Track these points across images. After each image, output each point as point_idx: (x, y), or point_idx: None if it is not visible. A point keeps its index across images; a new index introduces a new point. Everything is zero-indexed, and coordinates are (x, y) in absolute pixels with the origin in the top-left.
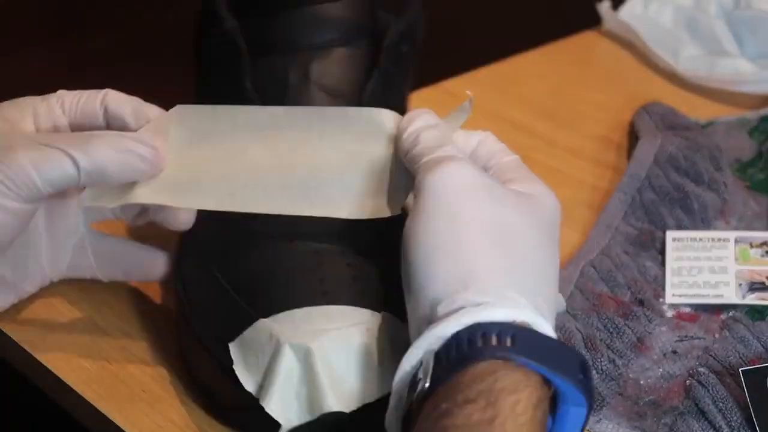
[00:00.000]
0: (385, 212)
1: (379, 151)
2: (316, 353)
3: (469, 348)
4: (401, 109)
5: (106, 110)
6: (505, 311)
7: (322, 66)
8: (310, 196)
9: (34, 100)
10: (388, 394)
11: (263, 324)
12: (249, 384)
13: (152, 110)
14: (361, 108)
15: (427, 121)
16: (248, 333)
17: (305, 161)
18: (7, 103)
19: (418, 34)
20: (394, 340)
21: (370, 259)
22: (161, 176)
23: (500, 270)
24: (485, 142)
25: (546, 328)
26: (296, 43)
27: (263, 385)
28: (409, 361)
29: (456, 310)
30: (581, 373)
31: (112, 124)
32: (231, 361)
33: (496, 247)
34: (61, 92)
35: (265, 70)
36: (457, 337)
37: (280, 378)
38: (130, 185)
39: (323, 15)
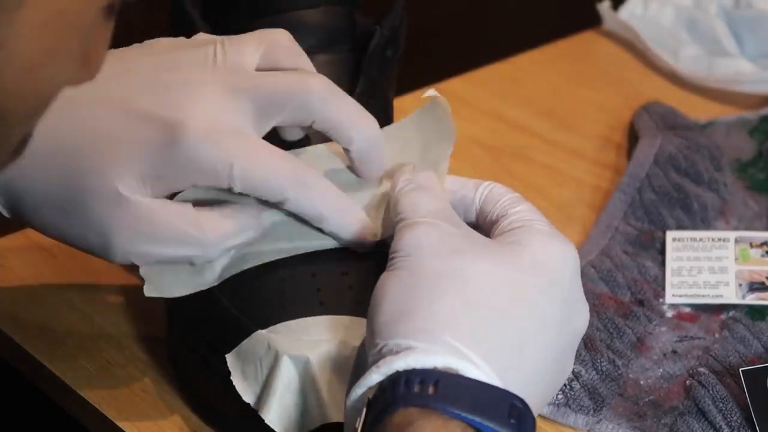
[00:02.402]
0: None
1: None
2: (315, 364)
3: (392, 395)
4: (386, 114)
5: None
6: (436, 357)
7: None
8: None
9: None
10: None
11: (261, 335)
12: (247, 395)
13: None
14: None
15: (414, 182)
16: (246, 344)
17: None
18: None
19: (401, 40)
20: None
21: (366, 267)
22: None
23: (443, 316)
24: (492, 194)
25: (475, 372)
26: None
27: (261, 396)
28: (351, 401)
29: (392, 354)
30: (513, 418)
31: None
32: (228, 372)
33: (446, 296)
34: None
35: None
36: (388, 382)
37: (279, 389)
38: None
39: (303, 21)
